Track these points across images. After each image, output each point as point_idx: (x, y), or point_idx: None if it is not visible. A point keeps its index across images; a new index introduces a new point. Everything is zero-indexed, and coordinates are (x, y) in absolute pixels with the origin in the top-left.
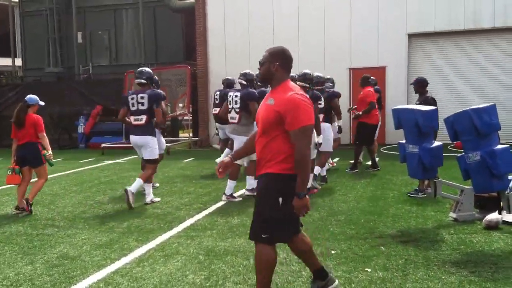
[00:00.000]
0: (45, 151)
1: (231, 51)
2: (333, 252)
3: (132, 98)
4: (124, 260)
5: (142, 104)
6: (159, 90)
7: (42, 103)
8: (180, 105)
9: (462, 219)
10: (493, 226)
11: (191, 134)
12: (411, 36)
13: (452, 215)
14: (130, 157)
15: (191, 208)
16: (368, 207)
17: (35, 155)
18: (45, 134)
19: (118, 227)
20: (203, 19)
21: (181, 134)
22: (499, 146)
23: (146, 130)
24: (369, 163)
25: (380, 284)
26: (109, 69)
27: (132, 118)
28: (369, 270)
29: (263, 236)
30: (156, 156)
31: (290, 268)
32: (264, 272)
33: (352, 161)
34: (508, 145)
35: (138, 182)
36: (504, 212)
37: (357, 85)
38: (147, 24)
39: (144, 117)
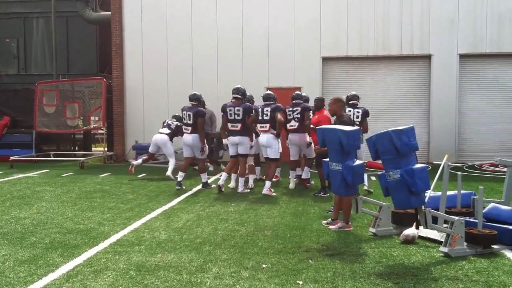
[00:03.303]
0: None
1: (148, 64)
2: (264, 266)
3: (230, 110)
4: (52, 276)
5: (238, 115)
6: (249, 104)
7: None
8: (95, 118)
9: (381, 234)
10: (410, 241)
11: (105, 149)
12: (325, 59)
13: (372, 230)
14: (42, 171)
15: (115, 224)
16: (293, 223)
17: None
18: None
19: (40, 243)
20: (120, 31)
21: (94, 148)
22: (417, 165)
23: (242, 132)
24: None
25: None
26: (17, 79)
27: (229, 124)
28: (300, 282)
29: None
30: (249, 151)
31: (224, 282)
32: None
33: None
34: (425, 165)
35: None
36: (421, 227)
37: None
38: (59, 34)
39: (239, 125)
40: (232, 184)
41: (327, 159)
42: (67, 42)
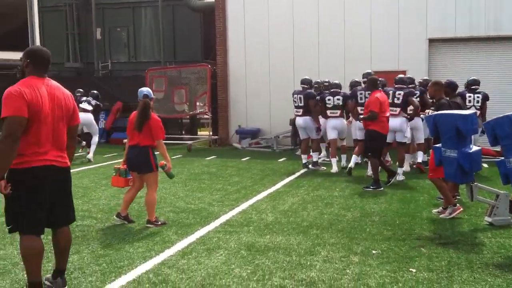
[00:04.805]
0: (164, 162)
1: (251, 50)
2: (374, 252)
3: (361, 93)
4: (168, 252)
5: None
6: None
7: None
8: (200, 103)
9: (497, 223)
10: None
11: (210, 133)
12: (431, 41)
13: (488, 219)
14: None
15: (223, 205)
16: (401, 209)
17: (145, 160)
18: (162, 142)
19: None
20: (223, 18)
21: (200, 132)
22: None
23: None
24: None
25: (427, 285)
26: (128, 66)
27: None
28: (413, 270)
29: (7, 227)
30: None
31: (334, 266)
32: (28, 262)
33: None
34: None
35: (354, 158)
36: None
37: None
38: (165, 22)
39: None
40: (334, 168)
41: (439, 145)
42: (173, 30)
